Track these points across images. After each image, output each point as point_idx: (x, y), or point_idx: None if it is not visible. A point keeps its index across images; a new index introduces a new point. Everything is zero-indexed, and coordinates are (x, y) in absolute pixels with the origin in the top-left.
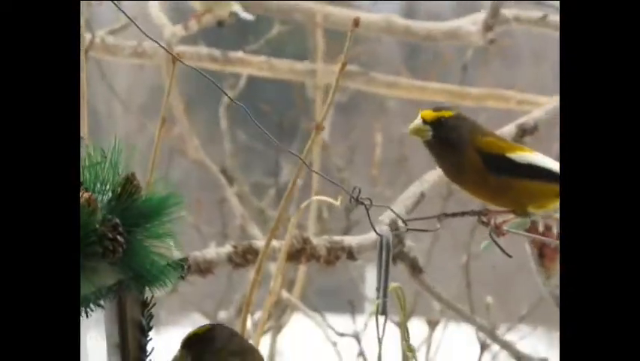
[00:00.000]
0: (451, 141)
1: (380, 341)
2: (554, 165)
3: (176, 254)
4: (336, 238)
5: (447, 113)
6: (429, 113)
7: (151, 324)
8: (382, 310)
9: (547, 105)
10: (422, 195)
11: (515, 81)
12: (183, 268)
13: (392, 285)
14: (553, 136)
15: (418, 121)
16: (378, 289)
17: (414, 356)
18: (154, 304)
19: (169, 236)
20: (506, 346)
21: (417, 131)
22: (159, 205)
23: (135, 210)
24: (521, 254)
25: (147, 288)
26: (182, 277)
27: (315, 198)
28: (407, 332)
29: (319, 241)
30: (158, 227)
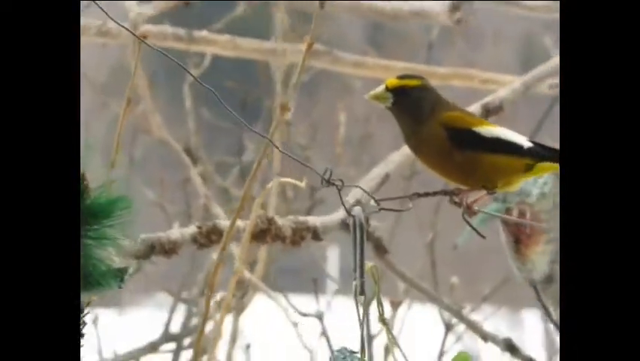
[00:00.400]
0: (412, 112)
1: (361, 323)
2: (521, 139)
3: (119, 261)
4: (301, 218)
5: (411, 83)
6: (392, 81)
7: (83, 331)
8: (361, 291)
9: (512, 84)
10: (387, 176)
11: (479, 60)
12: (123, 277)
13: (368, 264)
14: (518, 115)
15: (380, 87)
16: (355, 270)
17: (389, 331)
18: (88, 313)
19: (114, 241)
20: (472, 326)
21: (377, 97)
22: (107, 208)
23: (82, 211)
24: (485, 234)
25: (85, 292)
26: (120, 287)
27: (279, 179)
28: (382, 306)
29: (284, 222)
30: (103, 230)
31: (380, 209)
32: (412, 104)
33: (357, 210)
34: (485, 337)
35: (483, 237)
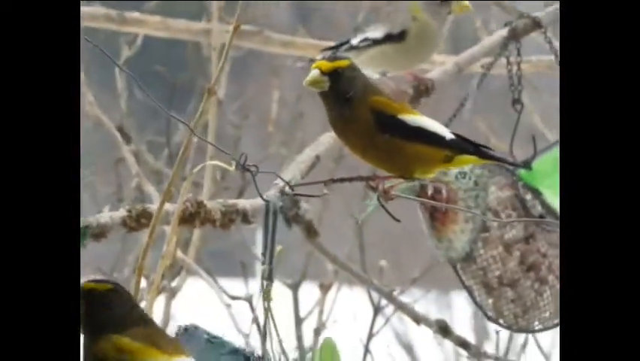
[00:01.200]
0: (346, 94)
1: (267, 308)
2: (443, 131)
3: None
4: (231, 201)
5: (343, 63)
6: (325, 64)
7: None
8: (268, 276)
9: (444, 65)
10: (317, 158)
11: None
12: None
13: (278, 248)
14: (449, 97)
15: (315, 72)
16: (264, 255)
17: (269, 310)
18: None
19: None
20: (403, 308)
21: (314, 83)
22: None
23: None
24: (412, 218)
25: None
26: None
27: (208, 162)
28: (271, 285)
29: (213, 205)
30: None
31: (294, 194)
32: (345, 85)
33: (271, 195)
34: (417, 319)
35: (398, 220)
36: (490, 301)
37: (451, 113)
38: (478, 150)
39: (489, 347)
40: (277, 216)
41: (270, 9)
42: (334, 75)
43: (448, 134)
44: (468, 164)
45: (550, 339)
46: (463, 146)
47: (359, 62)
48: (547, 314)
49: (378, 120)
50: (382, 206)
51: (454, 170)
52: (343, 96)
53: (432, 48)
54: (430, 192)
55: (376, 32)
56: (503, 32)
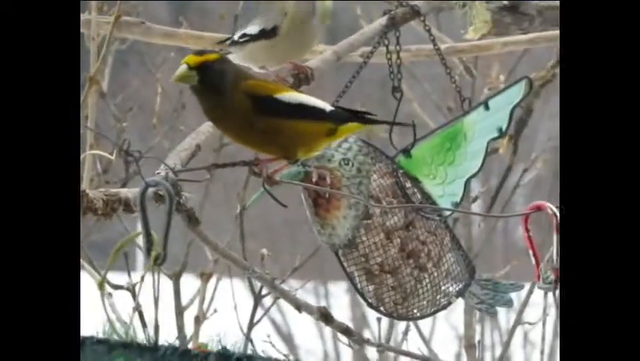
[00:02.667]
0: (217, 85)
1: (156, 298)
2: (323, 104)
3: None
4: (113, 190)
5: (211, 57)
6: (192, 58)
7: None
8: (162, 261)
9: (323, 53)
10: (198, 147)
11: None
12: None
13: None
14: (329, 85)
15: (183, 67)
16: (145, 241)
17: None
18: None
19: None
20: (286, 295)
21: (182, 78)
22: None
23: None
24: (290, 209)
25: None
26: None
27: (89, 152)
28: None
29: (95, 194)
30: None
31: (177, 180)
32: (215, 77)
33: (158, 179)
34: (299, 306)
35: (285, 206)
36: (372, 288)
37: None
38: (358, 116)
39: (369, 336)
40: (173, 201)
41: (149, 4)
42: (203, 69)
43: (327, 107)
44: (352, 131)
45: (430, 326)
46: (344, 115)
47: (241, 56)
48: (425, 302)
49: (254, 103)
50: (268, 192)
51: (338, 155)
52: (215, 88)
53: (306, 43)
54: (314, 178)
55: (253, 28)
56: (382, 21)
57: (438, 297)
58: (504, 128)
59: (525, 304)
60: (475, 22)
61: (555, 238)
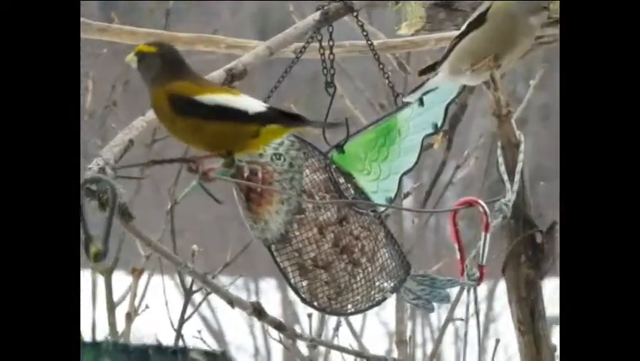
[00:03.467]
0: (147, 76)
1: (109, 294)
2: (248, 105)
3: None
4: None
5: (148, 49)
6: (140, 45)
7: None
8: (103, 257)
9: (256, 49)
10: (131, 142)
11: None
12: None
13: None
14: (263, 81)
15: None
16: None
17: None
18: None
19: None
20: (217, 290)
21: (129, 59)
22: None
23: None
24: (220, 206)
25: None
26: None
27: None
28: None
29: None
30: None
31: (117, 176)
32: (143, 69)
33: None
34: (232, 302)
35: (220, 202)
36: (305, 283)
37: (263, 97)
38: (283, 118)
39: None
40: (117, 196)
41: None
42: (139, 57)
43: (255, 108)
44: (276, 134)
45: (361, 322)
46: (267, 117)
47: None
48: (360, 297)
49: (173, 104)
50: (204, 188)
51: (270, 150)
52: (147, 78)
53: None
54: (246, 173)
55: None
56: (316, 16)
57: (372, 292)
58: (439, 125)
59: (457, 300)
60: (409, 18)
61: (483, 235)
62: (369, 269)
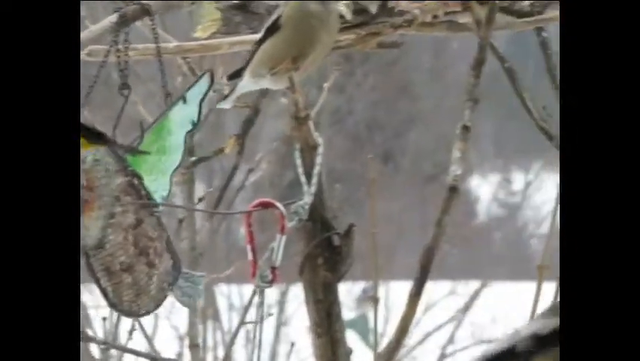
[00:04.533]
0: None
1: None
2: None
3: None
4: None
5: None
6: None
7: None
8: None
9: None
10: None
11: None
12: None
13: None
14: None
15: None
16: None
17: None
18: None
19: None
20: None
21: None
22: None
23: None
24: None
25: None
26: None
27: None
28: None
29: None
30: None
31: None
32: None
33: None
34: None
35: None
36: (112, 287)
37: None
38: (86, 133)
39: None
40: None
41: None
42: None
43: None
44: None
45: (152, 325)
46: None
47: None
48: (152, 299)
49: None
50: None
51: (89, 155)
52: None
53: None
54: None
55: None
56: (113, 18)
57: (161, 293)
58: (196, 121)
59: (250, 303)
60: (204, 21)
61: (279, 237)
62: (161, 270)
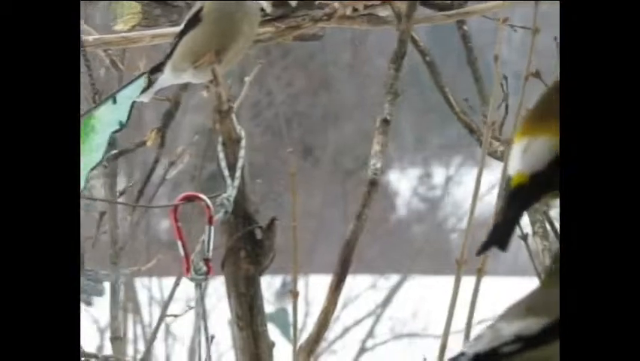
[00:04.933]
0: None
1: None
2: None
3: None
4: None
5: None
6: None
7: None
8: None
9: None
10: None
11: None
12: None
13: None
14: None
15: None
16: None
17: None
18: None
19: None
20: None
21: None
22: None
23: None
24: None
25: None
26: None
27: None
28: None
29: None
30: None
31: None
32: None
33: None
34: None
35: None
36: None
37: None
38: None
39: None
40: None
41: None
42: None
43: None
44: None
45: None
46: None
47: None
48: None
49: None
50: None
51: None
52: None
53: None
54: None
55: None
56: None
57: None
58: (124, 121)
59: (171, 297)
60: (124, 14)
61: (207, 228)
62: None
